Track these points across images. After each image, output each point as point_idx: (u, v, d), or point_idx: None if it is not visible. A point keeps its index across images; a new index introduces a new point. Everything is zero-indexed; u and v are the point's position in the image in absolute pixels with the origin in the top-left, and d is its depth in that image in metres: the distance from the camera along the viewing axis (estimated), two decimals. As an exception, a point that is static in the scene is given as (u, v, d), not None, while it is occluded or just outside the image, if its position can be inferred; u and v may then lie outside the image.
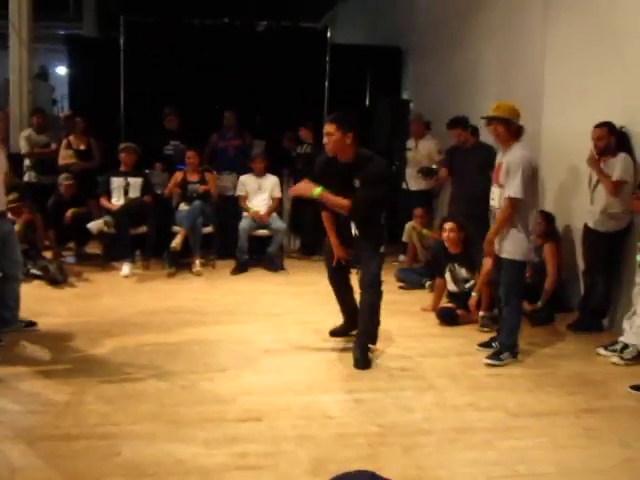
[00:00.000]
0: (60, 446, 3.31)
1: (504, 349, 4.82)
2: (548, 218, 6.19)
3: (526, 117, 6.98)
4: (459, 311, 5.77)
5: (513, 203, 4.65)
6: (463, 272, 5.90)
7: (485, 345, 5.09)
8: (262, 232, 7.90)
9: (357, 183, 4.59)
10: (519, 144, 4.76)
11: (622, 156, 5.29)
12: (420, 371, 4.57)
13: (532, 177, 4.72)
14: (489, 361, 4.75)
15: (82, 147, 8.42)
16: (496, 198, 4.88)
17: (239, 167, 8.43)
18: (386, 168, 4.90)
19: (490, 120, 4.80)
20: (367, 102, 10.93)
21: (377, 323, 4.87)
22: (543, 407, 4.03)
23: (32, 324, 5.22)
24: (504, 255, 4.81)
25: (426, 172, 7.85)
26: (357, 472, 1.23)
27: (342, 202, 4.55)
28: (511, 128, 4.72)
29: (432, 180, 7.83)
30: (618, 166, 5.28)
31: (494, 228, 4.84)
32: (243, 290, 6.80)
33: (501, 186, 4.78)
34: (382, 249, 4.84)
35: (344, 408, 3.91)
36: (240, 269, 7.64)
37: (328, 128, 4.60)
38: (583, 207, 5.83)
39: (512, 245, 4.76)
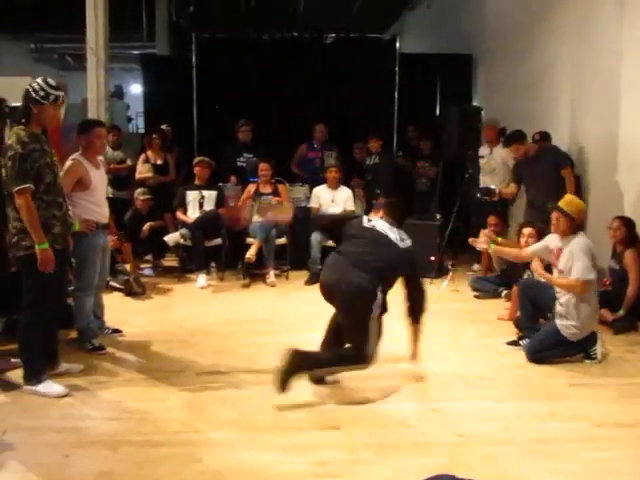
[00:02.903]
0: (142, 452, 3.39)
1: None
2: (628, 224, 6.00)
3: (602, 121, 6.88)
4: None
5: (581, 284, 4.75)
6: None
7: (513, 343, 5.21)
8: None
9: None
10: (579, 233, 4.95)
11: None
12: (499, 380, 4.50)
13: (595, 263, 4.88)
14: None
15: (159, 162, 8.65)
16: None
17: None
18: None
19: (555, 210, 4.98)
20: (437, 110, 10.86)
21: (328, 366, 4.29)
22: (628, 418, 3.90)
23: (117, 331, 5.43)
24: (562, 329, 4.86)
25: (485, 192, 7.74)
26: (438, 476, 1.21)
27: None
28: (573, 223, 4.91)
29: (492, 198, 7.70)
30: None
31: (553, 278, 5.02)
32: (317, 300, 6.77)
33: (561, 272, 4.91)
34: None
35: (422, 417, 3.87)
36: (314, 280, 7.65)
37: None
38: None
39: (574, 329, 4.83)
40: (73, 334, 5.30)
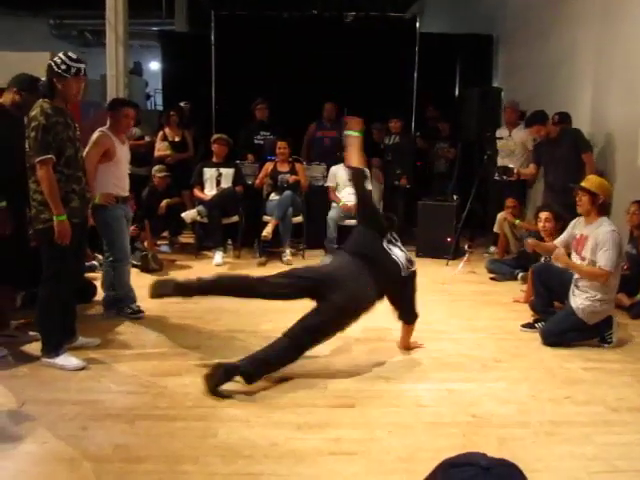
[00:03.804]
0: (158, 426, 3.42)
1: None
2: (646, 208, 5.95)
3: (624, 105, 6.79)
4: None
5: (607, 274, 4.71)
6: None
7: (528, 326, 5.20)
8: (351, 222, 7.90)
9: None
10: (605, 219, 4.88)
11: None
12: (514, 363, 4.49)
13: (621, 251, 4.84)
14: None
15: (177, 139, 8.66)
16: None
17: (334, 158, 8.46)
18: None
19: (577, 189, 4.97)
20: (457, 91, 10.77)
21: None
22: (644, 402, 3.89)
23: (139, 312, 5.39)
24: (579, 312, 4.83)
25: (502, 172, 7.69)
26: (470, 453, 1.21)
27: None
28: (596, 201, 4.85)
29: (510, 177, 7.65)
30: None
31: (577, 267, 4.92)
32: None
33: (583, 259, 4.87)
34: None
35: (436, 397, 3.88)
36: (330, 258, 7.68)
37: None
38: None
39: (590, 313, 4.81)
40: (91, 309, 5.36)
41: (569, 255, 5.08)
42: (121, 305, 5.31)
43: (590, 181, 4.99)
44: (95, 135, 5.01)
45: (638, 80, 6.56)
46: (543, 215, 5.91)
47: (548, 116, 7.10)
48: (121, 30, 9.53)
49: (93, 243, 6.17)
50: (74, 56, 4.15)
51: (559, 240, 5.23)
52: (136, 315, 5.28)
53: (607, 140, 7.19)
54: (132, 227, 6.39)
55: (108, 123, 5.13)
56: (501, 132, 8.31)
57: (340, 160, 8.20)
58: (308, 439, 3.30)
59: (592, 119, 7.48)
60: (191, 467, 3.01)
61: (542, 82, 8.77)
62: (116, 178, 5.10)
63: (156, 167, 8.10)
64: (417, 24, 10.13)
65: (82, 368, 4.13)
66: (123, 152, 5.19)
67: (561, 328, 4.85)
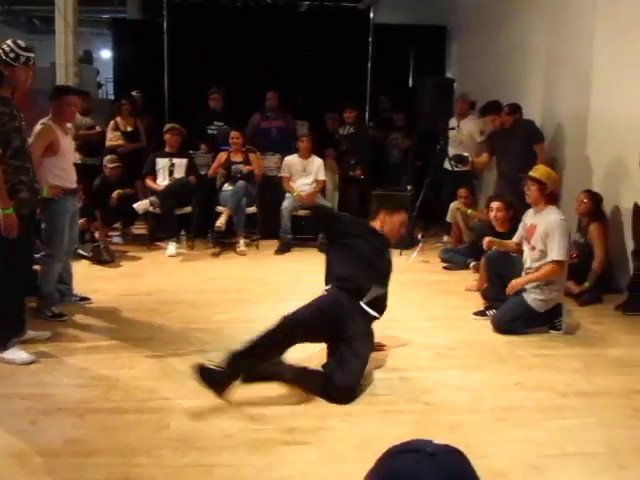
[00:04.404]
0: (111, 419, 3.38)
1: None
2: (595, 198, 6.06)
3: (573, 97, 6.91)
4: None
5: (559, 266, 4.82)
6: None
7: (480, 314, 5.27)
8: (305, 212, 7.91)
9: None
10: (553, 208, 4.99)
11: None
12: (466, 350, 4.55)
13: (569, 239, 4.96)
14: None
15: (129, 129, 8.53)
16: (528, 259, 5.05)
17: (281, 148, 8.44)
18: None
19: (526, 179, 5.06)
20: (410, 82, 10.83)
21: None
22: (592, 387, 3.97)
23: (86, 299, 5.39)
24: (529, 300, 4.91)
25: (457, 160, 7.77)
26: (415, 440, 1.22)
27: None
28: (544, 191, 4.94)
29: (465, 167, 7.74)
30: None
31: (530, 278, 4.95)
32: (287, 270, 6.83)
33: (533, 248, 4.94)
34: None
35: (390, 386, 3.91)
36: (284, 249, 7.68)
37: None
38: (632, 186, 5.72)
39: (540, 301, 4.90)
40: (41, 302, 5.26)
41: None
42: (42, 305, 4.96)
43: (538, 171, 5.08)
44: (37, 128, 4.78)
45: (586, 73, 6.68)
46: (495, 205, 5.99)
47: (502, 106, 7.20)
48: (71, 17, 9.34)
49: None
50: (23, 44, 4.05)
51: (516, 236, 5.31)
52: (57, 319, 4.90)
53: (556, 131, 7.33)
54: (82, 220, 6.26)
55: (50, 113, 4.90)
56: (452, 122, 8.41)
57: (292, 150, 8.19)
58: (262, 430, 3.29)
59: (542, 110, 7.60)
60: (143, 459, 2.98)
61: (494, 73, 8.88)
62: (62, 170, 4.92)
63: (108, 157, 7.96)
64: (371, 14, 10.16)
65: (32, 362, 4.05)
66: (67, 143, 5.01)
67: (512, 316, 4.93)
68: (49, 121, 4.85)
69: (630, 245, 5.81)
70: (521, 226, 5.26)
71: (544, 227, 4.85)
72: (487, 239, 5.40)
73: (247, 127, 8.86)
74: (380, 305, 4.12)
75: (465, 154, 7.81)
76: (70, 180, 5.04)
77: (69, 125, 5.26)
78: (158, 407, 3.52)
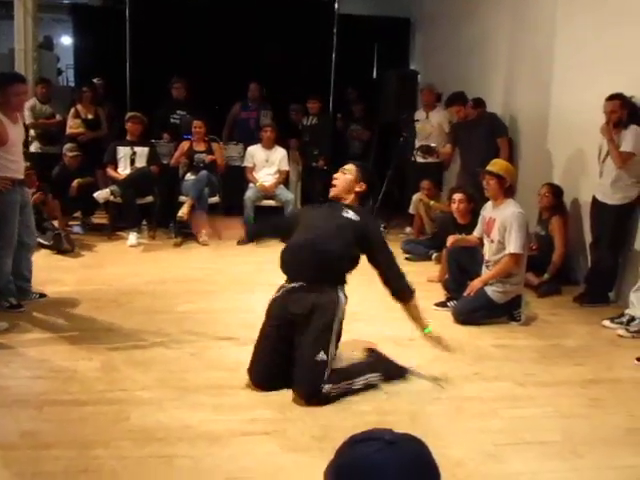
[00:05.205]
0: (69, 411, 3.34)
1: None
2: (556, 191, 6.16)
3: (534, 91, 6.99)
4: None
5: (515, 259, 4.89)
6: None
7: (441, 305, 5.36)
8: (268, 202, 7.89)
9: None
10: (511, 201, 5.06)
11: (633, 127, 5.22)
12: (426, 341, 4.56)
13: (527, 231, 5.01)
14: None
15: (90, 116, 8.41)
16: (487, 252, 5.11)
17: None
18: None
19: (484, 173, 5.10)
20: (374, 74, 10.84)
21: None
22: (549, 377, 4.04)
23: (43, 296, 5.24)
24: (489, 291, 4.98)
25: (425, 150, 7.82)
26: (375, 430, 1.23)
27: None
28: (503, 185, 5.01)
29: (433, 157, 7.80)
30: (629, 138, 5.21)
31: (489, 276, 5.03)
32: (250, 260, 6.79)
33: (492, 241, 5.01)
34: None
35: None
36: (246, 240, 7.63)
37: (347, 167, 4.05)
38: (591, 180, 5.80)
39: (500, 293, 4.98)
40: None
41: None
42: None
43: (497, 165, 5.15)
44: None
45: (546, 68, 6.76)
46: (457, 196, 6.04)
47: (467, 97, 7.25)
48: (30, 2, 9.15)
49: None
50: None
51: (477, 231, 5.36)
52: (14, 310, 4.83)
53: (517, 124, 7.40)
54: (35, 195, 6.06)
55: None
56: (419, 114, 8.43)
57: (258, 140, 8.15)
58: (222, 421, 3.28)
59: (504, 103, 7.67)
60: (102, 452, 2.95)
61: (457, 66, 8.93)
62: (10, 161, 4.69)
63: (67, 145, 7.84)
64: (336, 5, 10.14)
65: (-13, 353, 3.99)
66: (16, 133, 4.78)
67: (472, 307, 4.99)
68: None
69: (588, 238, 5.91)
70: (480, 219, 5.31)
71: (502, 220, 4.92)
72: (450, 238, 5.44)
73: (228, 116, 8.96)
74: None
75: (433, 144, 7.85)
76: (18, 170, 4.84)
77: (27, 112, 5.08)
78: (117, 399, 3.49)
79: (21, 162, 4.92)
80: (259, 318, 4.61)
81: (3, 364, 3.88)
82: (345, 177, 3.99)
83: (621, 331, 4.86)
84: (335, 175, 4.05)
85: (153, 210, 7.78)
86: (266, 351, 3.71)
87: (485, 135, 6.98)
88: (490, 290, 4.95)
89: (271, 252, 7.15)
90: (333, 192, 3.99)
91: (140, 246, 7.22)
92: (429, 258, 7.03)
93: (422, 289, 5.86)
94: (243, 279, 6.03)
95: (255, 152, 8.07)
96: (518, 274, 5.00)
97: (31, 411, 3.31)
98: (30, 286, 5.20)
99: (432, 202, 7.52)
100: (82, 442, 3.02)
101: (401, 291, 3.94)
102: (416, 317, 4.03)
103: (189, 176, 7.72)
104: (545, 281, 5.93)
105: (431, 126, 8.28)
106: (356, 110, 9.57)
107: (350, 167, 4.02)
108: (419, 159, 8.16)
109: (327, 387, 3.49)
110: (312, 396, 3.49)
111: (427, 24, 10.44)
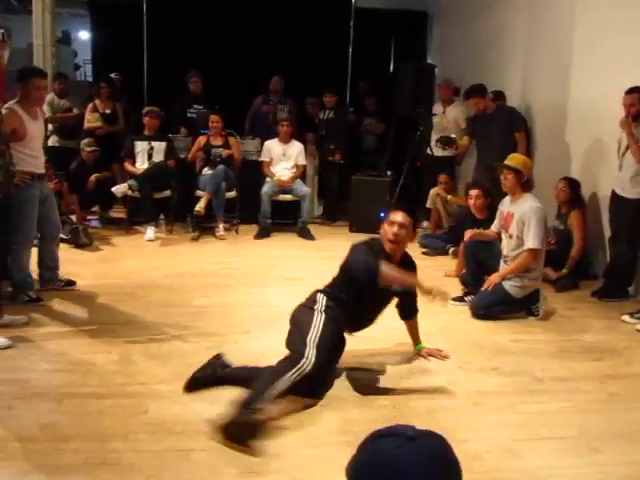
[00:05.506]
0: (87, 404, 3.36)
1: None
2: (574, 185, 6.12)
3: (553, 84, 6.93)
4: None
5: (534, 254, 4.86)
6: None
7: (458, 300, 5.31)
8: (285, 197, 7.90)
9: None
10: (529, 195, 5.02)
11: (653, 121, 5.18)
12: (444, 336, 4.57)
13: (545, 226, 4.98)
14: None
15: (107, 111, 8.45)
16: (506, 247, 5.10)
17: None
18: None
19: (502, 168, 5.06)
20: (391, 67, 10.80)
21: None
22: (567, 373, 4.02)
23: (71, 283, 5.32)
24: (507, 286, 4.96)
25: (445, 142, 7.76)
26: (398, 425, 1.24)
27: None
28: (520, 179, 4.98)
29: (452, 149, 7.75)
30: (649, 131, 5.17)
31: (507, 271, 5.01)
32: (266, 254, 6.83)
33: (510, 236, 4.99)
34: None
35: (367, 371, 3.92)
36: (263, 234, 7.67)
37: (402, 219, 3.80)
38: (610, 174, 5.74)
39: (518, 288, 4.96)
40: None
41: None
42: (16, 292, 4.88)
43: (514, 159, 5.11)
44: (2, 112, 4.52)
45: (564, 63, 6.70)
46: (473, 192, 6.02)
47: (487, 89, 7.19)
48: (48, -3, 9.20)
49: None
50: None
51: (494, 226, 5.34)
52: (34, 304, 4.85)
53: (535, 117, 7.35)
54: (52, 183, 6.07)
55: (18, 96, 4.71)
56: (436, 109, 8.40)
57: (275, 134, 8.15)
58: (240, 414, 3.29)
59: (522, 96, 7.62)
60: (121, 445, 2.97)
61: (475, 60, 8.88)
62: (28, 156, 4.72)
63: (85, 141, 7.87)
64: (353, -1, 10.11)
65: (8, 347, 4.01)
66: (36, 128, 4.82)
67: (490, 301, 4.97)
68: (15, 105, 4.67)
69: (607, 232, 5.86)
70: (498, 214, 5.29)
71: (520, 215, 4.89)
72: (468, 232, 5.42)
73: (249, 110, 9.00)
74: None
75: (452, 135, 7.81)
76: (38, 165, 4.87)
77: (45, 107, 5.10)
78: (135, 392, 3.51)
79: (41, 157, 4.95)
80: (276, 312, 4.65)
81: (23, 357, 3.92)
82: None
83: (640, 326, 4.83)
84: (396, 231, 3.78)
85: (170, 204, 7.81)
86: None
87: (503, 129, 6.93)
88: (508, 285, 4.93)
89: (287, 247, 7.25)
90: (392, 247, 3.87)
91: (157, 240, 7.25)
92: (446, 253, 7.01)
93: (440, 284, 5.85)
94: (260, 273, 6.04)
95: (272, 146, 8.07)
96: (536, 269, 4.97)
97: (51, 404, 3.34)
98: (56, 274, 5.26)
99: (449, 196, 7.49)
100: (101, 435, 3.05)
101: (414, 314, 4.22)
102: (414, 333, 4.24)
103: (206, 171, 7.73)
104: (563, 275, 5.89)
105: (447, 121, 8.25)
106: (369, 104, 9.54)
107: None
108: (438, 152, 8.10)
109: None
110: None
111: (444, 17, 10.39)
